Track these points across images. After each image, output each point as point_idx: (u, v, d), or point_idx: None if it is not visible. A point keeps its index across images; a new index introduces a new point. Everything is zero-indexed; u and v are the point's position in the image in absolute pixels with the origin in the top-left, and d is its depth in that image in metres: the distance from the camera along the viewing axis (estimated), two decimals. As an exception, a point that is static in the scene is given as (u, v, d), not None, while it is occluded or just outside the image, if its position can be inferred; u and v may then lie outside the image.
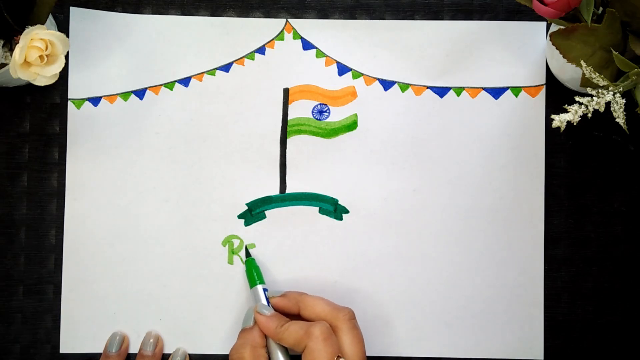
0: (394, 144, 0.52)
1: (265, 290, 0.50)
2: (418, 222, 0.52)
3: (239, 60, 0.53)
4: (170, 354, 0.51)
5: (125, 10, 0.53)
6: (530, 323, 0.52)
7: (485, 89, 0.52)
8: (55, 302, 0.52)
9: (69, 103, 0.52)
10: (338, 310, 0.47)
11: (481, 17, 0.53)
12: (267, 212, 0.52)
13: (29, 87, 0.52)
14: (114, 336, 0.51)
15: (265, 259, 0.52)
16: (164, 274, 0.52)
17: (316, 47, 0.53)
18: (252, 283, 0.50)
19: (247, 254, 0.52)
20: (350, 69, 0.53)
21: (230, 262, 0.52)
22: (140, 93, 0.52)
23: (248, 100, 0.52)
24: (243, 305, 0.52)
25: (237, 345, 0.47)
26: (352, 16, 0.53)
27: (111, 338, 0.51)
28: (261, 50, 0.53)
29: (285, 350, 0.47)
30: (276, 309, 0.48)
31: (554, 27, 0.47)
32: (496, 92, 0.52)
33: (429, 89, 0.52)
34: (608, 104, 0.42)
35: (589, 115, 0.41)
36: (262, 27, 0.53)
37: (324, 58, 0.53)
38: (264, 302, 0.49)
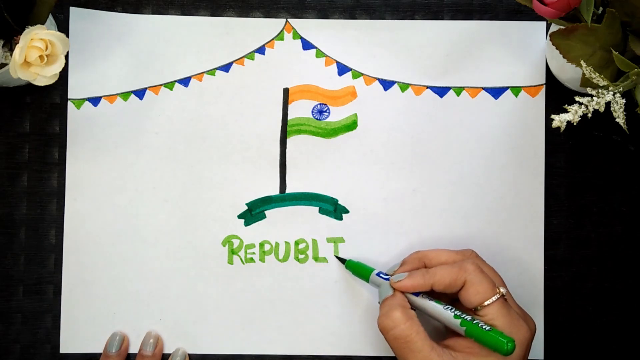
0: (394, 144, 0.52)
1: (379, 273, 0.49)
2: (418, 222, 0.52)
3: (239, 60, 0.53)
4: (170, 354, 0.51)
5: (125, 10, 0.53)
6: (530, 323, 0.52)
7: (485, 88, 0.52)
8: (55, 302, 0.52)
9: (69, 103, 0.52)
10: (463, 253, 0.48)
11: (481, 17, 0.53)
12: (267, 212, 0.52)
13: (29, 87, 0.52)
14: (114, 336, 0.51)
15: (264, 258, 0.52)
16: (164, 274, 0.52)
17: (316, 47, 0.53)
18: (367, 274, 0.49)
19: (342, 260, 0.51)
20: (350, 69, 0.53)
21: (230, 262, 0.52)
22: (140, 93, 0.52)
23: (248, 100, 0.52)
24: (243, 305, 0.52)
25: (384, 312, 0.45)
26: (352, 16, 0.53)
27: (111, 338, 0.51)
28: (261, 50, 0.53)
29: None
30: None
31: (554, 27, 0.47)
32: (496, 92, 0.52)
33: (429, 89, 0.52)
34: (608, 104, 0.42)
35: (589, 115, 0.41)
36: (262, 27, 0.53)
37: (324, 58, 0.53)
38: (385, 283, 0.47)
